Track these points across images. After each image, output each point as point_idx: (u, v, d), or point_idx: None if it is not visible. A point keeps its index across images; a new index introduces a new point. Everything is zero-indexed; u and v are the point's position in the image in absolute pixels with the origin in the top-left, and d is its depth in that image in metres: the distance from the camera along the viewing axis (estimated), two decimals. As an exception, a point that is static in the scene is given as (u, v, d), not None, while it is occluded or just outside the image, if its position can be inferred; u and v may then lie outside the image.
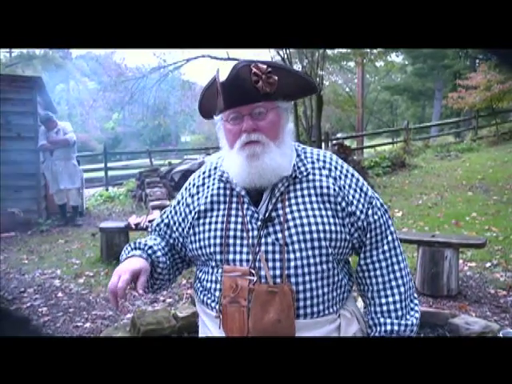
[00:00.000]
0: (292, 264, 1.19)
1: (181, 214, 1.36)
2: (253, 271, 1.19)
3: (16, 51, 23.05)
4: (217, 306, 1.25)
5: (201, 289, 1.33)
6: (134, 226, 5.10)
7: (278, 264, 1.19)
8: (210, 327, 1.31)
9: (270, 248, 1.20)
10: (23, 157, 7.25)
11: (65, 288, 4.42)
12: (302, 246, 1.19)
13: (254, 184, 1.21)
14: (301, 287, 1.19)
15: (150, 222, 4.97)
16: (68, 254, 5.69)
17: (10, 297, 4.18)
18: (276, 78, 1.16)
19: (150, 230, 1.48)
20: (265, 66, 1.15)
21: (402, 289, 1.27)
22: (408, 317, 1.27)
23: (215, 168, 1.37)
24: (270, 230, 1.21)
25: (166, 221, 1.41)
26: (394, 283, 1.27)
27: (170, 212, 1.41)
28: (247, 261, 1.21)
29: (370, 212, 1.28)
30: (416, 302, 1.31)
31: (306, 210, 1.23)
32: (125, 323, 3.34)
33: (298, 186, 1.26)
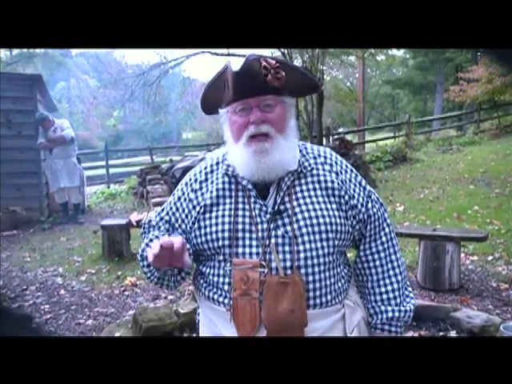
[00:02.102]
0: (302, 255, 1.21)
1: (183, 211, 1.35)
2: (263, 263, 1.21)
3: (16, 49, 23.02)
4: (226, 300, 1.25)
5: (205, 284, 1.33)
6: (135, 223, 5.10)
7: (288, 256, 1.21)
8: (216, 322, 1.30)
9: (280, 240, 1.22)
10: (24, 155, 7.27)
11: (67, 285, 4.44)
12: (311, 237, 1.22)
13: (262, 178, 1.24)
14: (310, 278, 1.22)
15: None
16: (70, 251, 5.70)
17: (13, 295, 4.20)
18: (283, 73, 1.19)
19: (144, 229, 1.43)
20: (273, 61, 1.19)
21: (400, 277, 1.35)
22: (405, 303, 1.34)
23: (217, 163, 1.37)
24: (279, 222, 1.24)
25: (166, 218, 1.38)
26: (391, 272, 1.35)
27: (171, 209, 1.38)
28: (257, 253, 1.22)
29: (369, 205, 1.34)
30: (410, 289, 1.39)
31: (312, 203, 1.26)
32: (127, 320, 3.35)
33: (303, 181, 1.29)
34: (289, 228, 1.23)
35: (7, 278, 4.70)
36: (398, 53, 22.23)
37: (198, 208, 1.31)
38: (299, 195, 1.27)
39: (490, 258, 4.41)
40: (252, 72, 1.16)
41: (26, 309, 3.82)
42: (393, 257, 1.35)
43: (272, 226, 1.23)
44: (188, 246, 1.29)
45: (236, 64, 1.19)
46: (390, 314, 1.32)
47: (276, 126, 1.23)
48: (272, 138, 1.22)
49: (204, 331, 1.40)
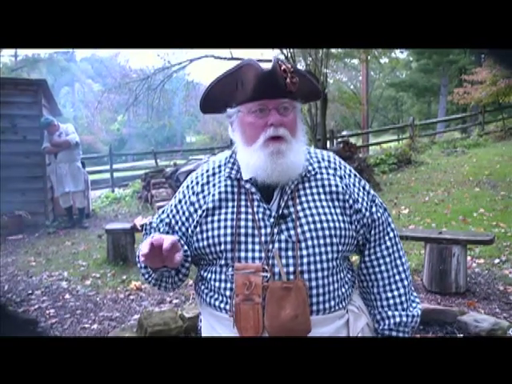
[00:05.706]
0: (305, 260, 1.20)
1: (184, 213, 1.33)
2: (266, 268, 1.19)
3: (21, 55, 23.23)
4: (227, 306, 1.24)
5: (206, 291, 1.31)
6: (139, 227, 5.10)
7: (291, 261, 1.20)
8: (218, 329, 1.28)
9: (283, 245, 1.21)
10: (29, 160, 7.30)
11: (72, 290, 4.44)
12: (315, 242, 1.21)
13: (276, 180, 1.22)
14: (313, 283, 1.21)
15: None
16: (75, 255, 5.71)
17: (18, 299, 4.20)
18: (297, 78, 1.19)
19: (145, 230, 1.41)
20: (290, 65, 1.18)
21: (406, 282, 1.34)
22: (412, 308, 1.33)
23: (219, 166, 1.35)
24: (283, 227, 1.22)
25: (166, 220, 1.36)
26: (397, 277, 1.34)
27: (171, 211, 1.37)
28: (259, 258, 1.21)
29: (373, 210, 1.33)
30: (415, 294, 1.38)
31: (316, 207, 1.25)
32: (132, 324, 3.35)
33: (307, 185, 1.28)
34: (292, 232, 1.21)
35: (13, 283, 4.71)
36: (402, 55, 22.26)
37: (199, 211, 1.29)
38: (303, 199, 1.26)
39: (497, 260, 4.38)
40: (276, 74, 1.16)
41: (32, 313, 3.83)
42: (398, 261, 1.34)
43: (276, 230, 1.22)
44: (185, 247, 1.28)
45: (262, 64, 1.18)
46: (398, 319, 1.31)
47: (291, 130, 1.23)
48: (287, 141, 1.21)
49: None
